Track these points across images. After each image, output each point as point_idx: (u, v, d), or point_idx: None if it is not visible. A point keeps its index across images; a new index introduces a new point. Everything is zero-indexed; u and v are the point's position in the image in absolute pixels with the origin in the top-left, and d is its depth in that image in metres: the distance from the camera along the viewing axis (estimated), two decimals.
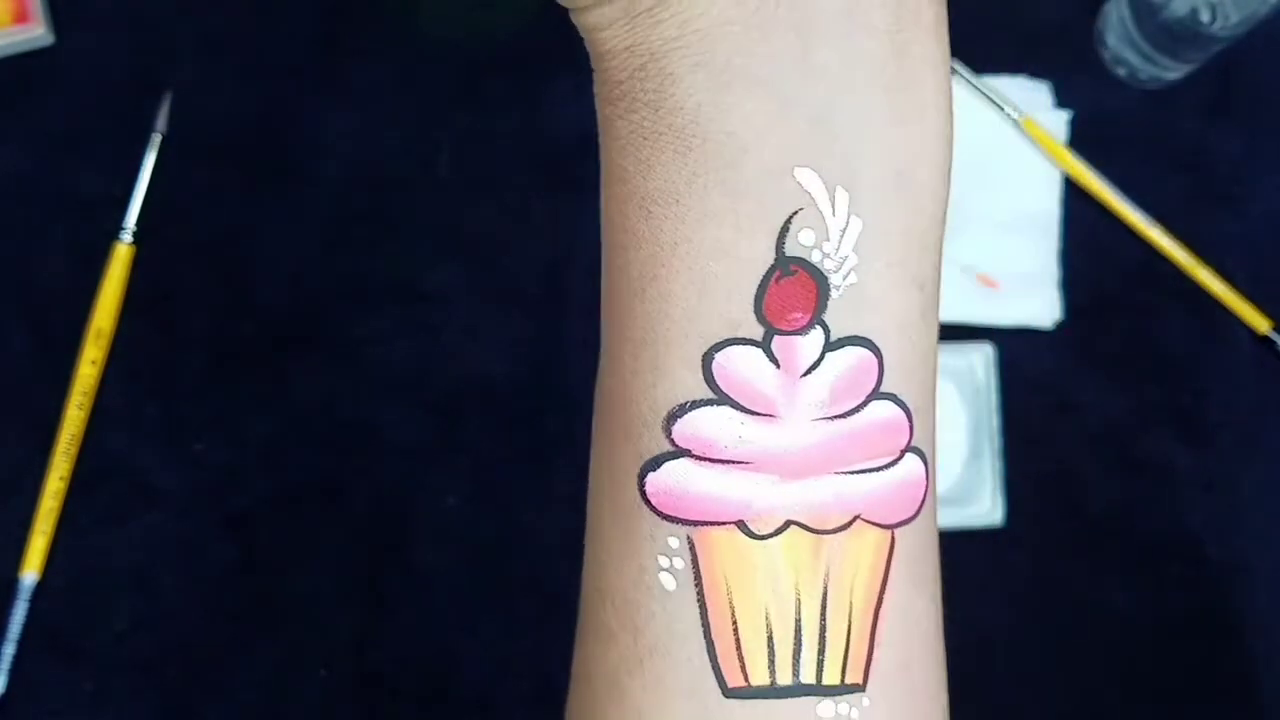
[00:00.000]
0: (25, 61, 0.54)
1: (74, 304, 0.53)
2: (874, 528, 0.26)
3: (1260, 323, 0.55)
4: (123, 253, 0.53)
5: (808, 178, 0.25)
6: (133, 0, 0.55)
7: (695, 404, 0.26)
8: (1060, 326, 0.55)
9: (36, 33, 0.53)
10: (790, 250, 0.25)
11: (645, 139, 0.26)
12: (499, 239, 0.54)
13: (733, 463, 0.26)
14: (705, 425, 0.26)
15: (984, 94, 0.56)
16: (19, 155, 0.54)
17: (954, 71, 0.56)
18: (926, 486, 0.27)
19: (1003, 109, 0.56)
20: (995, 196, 0.56)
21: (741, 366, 0.26)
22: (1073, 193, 0.56)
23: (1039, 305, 0.55)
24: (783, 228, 0.25)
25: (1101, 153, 0.56)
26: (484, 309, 0.54)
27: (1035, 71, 0.57)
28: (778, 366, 0.26)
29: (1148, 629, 0.50)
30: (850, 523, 0.26)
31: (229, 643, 0.52)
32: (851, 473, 0.26)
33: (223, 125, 0.55)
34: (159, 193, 0.54)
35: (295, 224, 0.55)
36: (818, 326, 0.26)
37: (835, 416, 0.26)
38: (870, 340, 0.26)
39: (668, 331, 0.26)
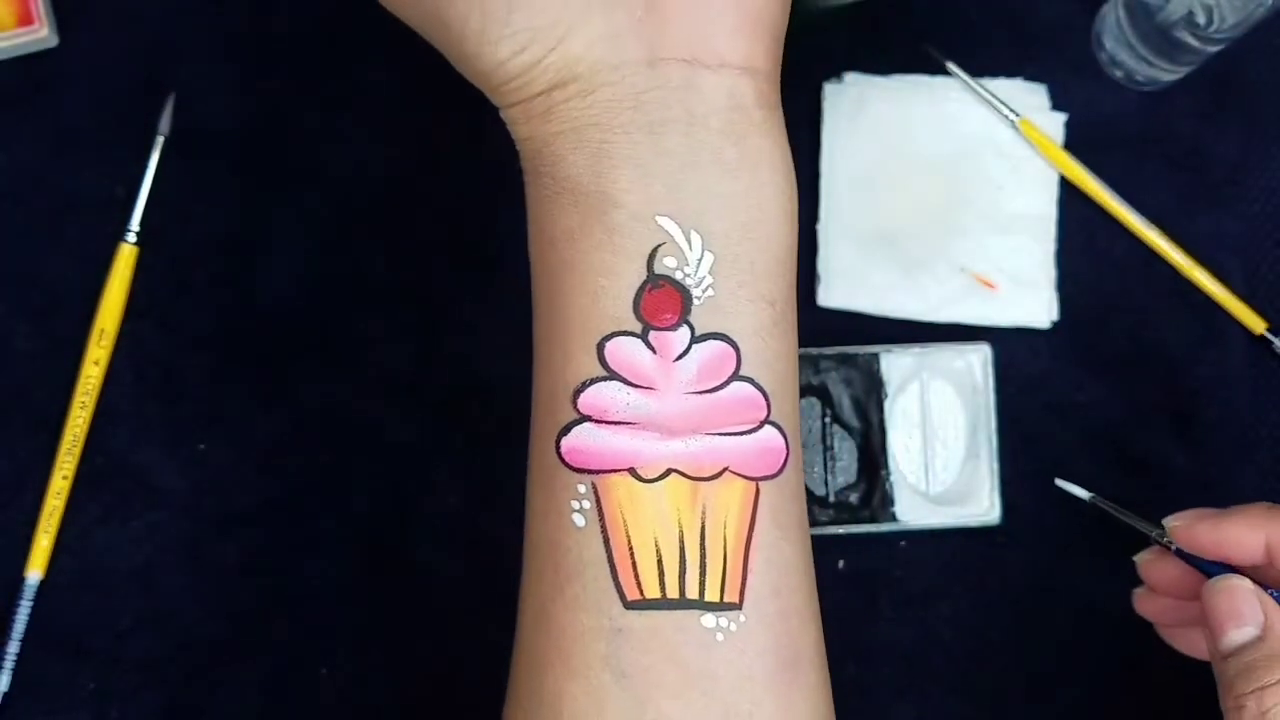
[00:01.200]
0: (29, 63, 0.54)
1: (77, 304, 0.53)
2: (740, 479, 0.34)
3: (1256, 323, 0.55)
4: (127, 253, 0.53)
5: (666, 222, 0.34)
6: (136, 2, 0.55)
7: (594, 380, 0.34)
8: (1057, 327, 0.56)
9: (40, 34, 0.53)
10: (658, 269, 0.34)
11: (549, 197, 0.35)
12: (500, 239, 0.54)
13: (624, 424, 0.34)
14: (601, 396, 0.34)
15: (981, 95, 0.56)
16: (23, 156, 0.54)
17: (952, 74, 0.56)
18: (786, 452, 0.35)
19: (1000, 110, 0.56)
20: (992, 198, 0.56)
21: (627, 352, 0.34)
22: (1070, 194, 0.56)
23: (1036, 306, 0.55)
24: (651, 254, 0.34)
25: (1098, 154, 0.56)
26: (484, 309, 0.54)
27: (1032, 74, 0.57)
28: (654, 353, 0.34)
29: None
30: (720, 473, 0.34)
31: (230, 642, 0.52)
32: (720, 434, 0.34)
33: (225, 126, 0.55)
34: (162, 194, 0.54)
35: (298, 225, 0.55)
36: (685, 325, 0.34)
37: (703, 391, 0.34)
38: (728, 336, 0.34)
39: (571, 328, 0.34)
